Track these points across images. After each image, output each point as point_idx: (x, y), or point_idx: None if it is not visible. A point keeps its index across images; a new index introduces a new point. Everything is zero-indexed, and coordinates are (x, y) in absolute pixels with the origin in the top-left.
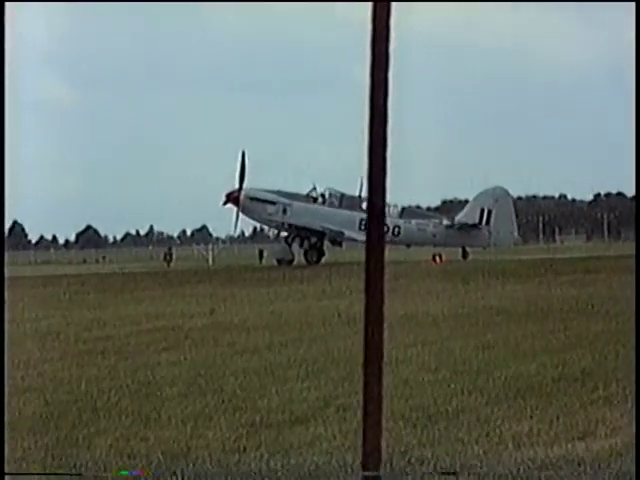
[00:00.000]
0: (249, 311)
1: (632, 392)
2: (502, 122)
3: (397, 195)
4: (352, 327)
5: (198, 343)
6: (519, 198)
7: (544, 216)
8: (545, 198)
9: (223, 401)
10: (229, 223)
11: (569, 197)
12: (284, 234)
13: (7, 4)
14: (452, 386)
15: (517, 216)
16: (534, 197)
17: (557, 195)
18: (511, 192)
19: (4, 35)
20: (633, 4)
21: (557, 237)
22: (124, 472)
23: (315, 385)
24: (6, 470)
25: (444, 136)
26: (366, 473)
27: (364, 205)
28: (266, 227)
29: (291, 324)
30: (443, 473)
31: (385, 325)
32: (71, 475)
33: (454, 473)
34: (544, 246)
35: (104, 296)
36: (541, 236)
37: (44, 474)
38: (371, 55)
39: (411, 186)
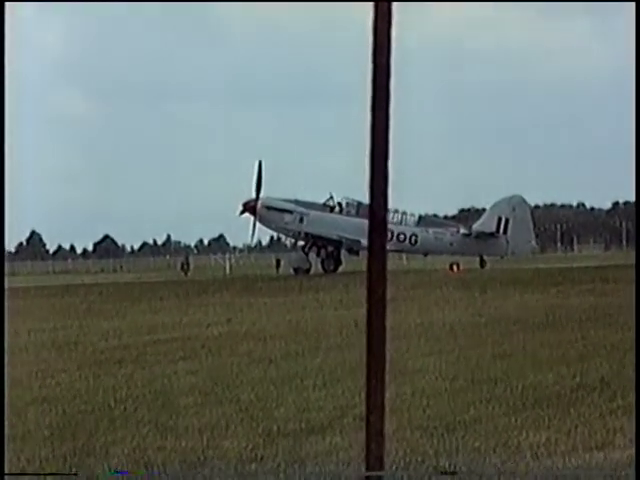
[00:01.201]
0: (266, 320)
1: None
2: (519, 130)
3: (414, 204)
4: None
5: (215, 352)
6: (537, 206)
7: (562, 225)
8: (563, 206)
9: (240, 410)
10: (246, 232)
11: (587, 205)
12: (301, 243)
13: (7, 5)
14: (469, 395)
15: (535, 225)
16: (552, 205)
17: (575, 203)
18: (529, 200)
19: (4, 35)
20: (633, 4)
21: (575, 246)
22: (112, 472)
23: (332, 394)
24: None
25: (461, 145)
26: (369, 473)
27: None
28: (283, 236)
29: (308, 333)
30: (443, 473)
31: (402, 334)
32: (68, 475)
33: (454, 473)
34: (562, 255)
35: (121, 306)
36: (559, 245)
37: (43, 474)
38: (373, 64)
39: (428, 195)
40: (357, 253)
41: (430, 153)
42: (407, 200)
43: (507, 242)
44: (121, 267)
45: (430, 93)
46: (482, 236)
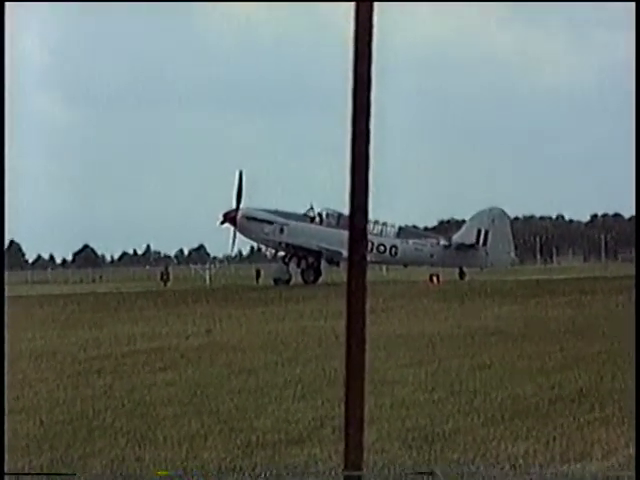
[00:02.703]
0: (245, 331)
1: (629, 413)
2: (500, 143)
3: (394, 215)
4: None
5: (194, 363)
6: (516, 218)
7: (541, 237)
8: (542, 218)
9: (218, 421)
10: (226, 243)
11: (566, 217)
12: (281, 254)
13: (7, 4)
14: (448, 407)
15: (514, 236)
16: (531, 217)
17: (554, 215)
18: (508, 212)
19: (4, 35)
20: (633, 4)
21: (554, 257)
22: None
23: (311, 405)
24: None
25: (440, 157)
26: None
27: None
28: (264, 247)
29: (287, 344)
30: (419, 473)
31: (382, 345)
32: (70, 475)
33: (431, 473)
34: (541, 267)
35: (100, 316)
36: (538, 256)
37: (44, 474)
38: (353, 74)
39: (408, 206)
40: (337, 264)
41: (410, 164)
42: (387, 211)
43: (486, 254)
44: (100, 277)
45: (410, 102)
46: (462, 248)
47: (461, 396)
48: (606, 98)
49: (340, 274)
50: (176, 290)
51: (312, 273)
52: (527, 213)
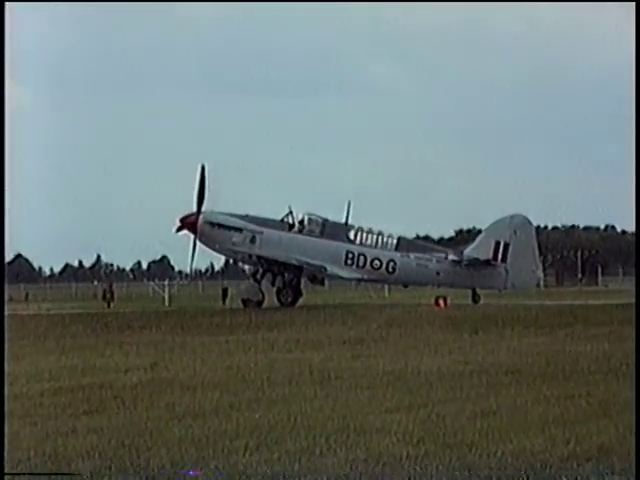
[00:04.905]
0: (200, 365)
1: None
2: (538, 136)
3: (402, 223)
4: (325, 386)
5: (129, 405)
6: (555, 228)
7: (584, 251)
8: (587, 229)
9: (144, 479)
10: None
11: (618, 228)
12: (247, 267)
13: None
14: (434, 463)
15: (543, 251)
16: (573, 227)
17: (603, 226)
18: (546, 221)
19: (4, 35)
20: (633, 4)
21: (599, 278)
22: None
23: (265, 459)
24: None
25: (469, 155)
26: None
27: (351, 234)
28: (241, 261)
29: (250, 381)
30: None
31: (366, 384)
32: (72, 475)
33: None
34: (583, 288)
35: (21, 344)
36: (579, 276)
37: (44, 474)
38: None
39: (421, 213)
40: (322, 282)
41: (427, 166)
42: (394, 219)
43: (506, 272)
44: (27, 295)
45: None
46: (475, 264)
47: (453, 450)
48: None
49: (325, 294)
50: (121, 312)
51: (290, 293)
52: (568, 222)
